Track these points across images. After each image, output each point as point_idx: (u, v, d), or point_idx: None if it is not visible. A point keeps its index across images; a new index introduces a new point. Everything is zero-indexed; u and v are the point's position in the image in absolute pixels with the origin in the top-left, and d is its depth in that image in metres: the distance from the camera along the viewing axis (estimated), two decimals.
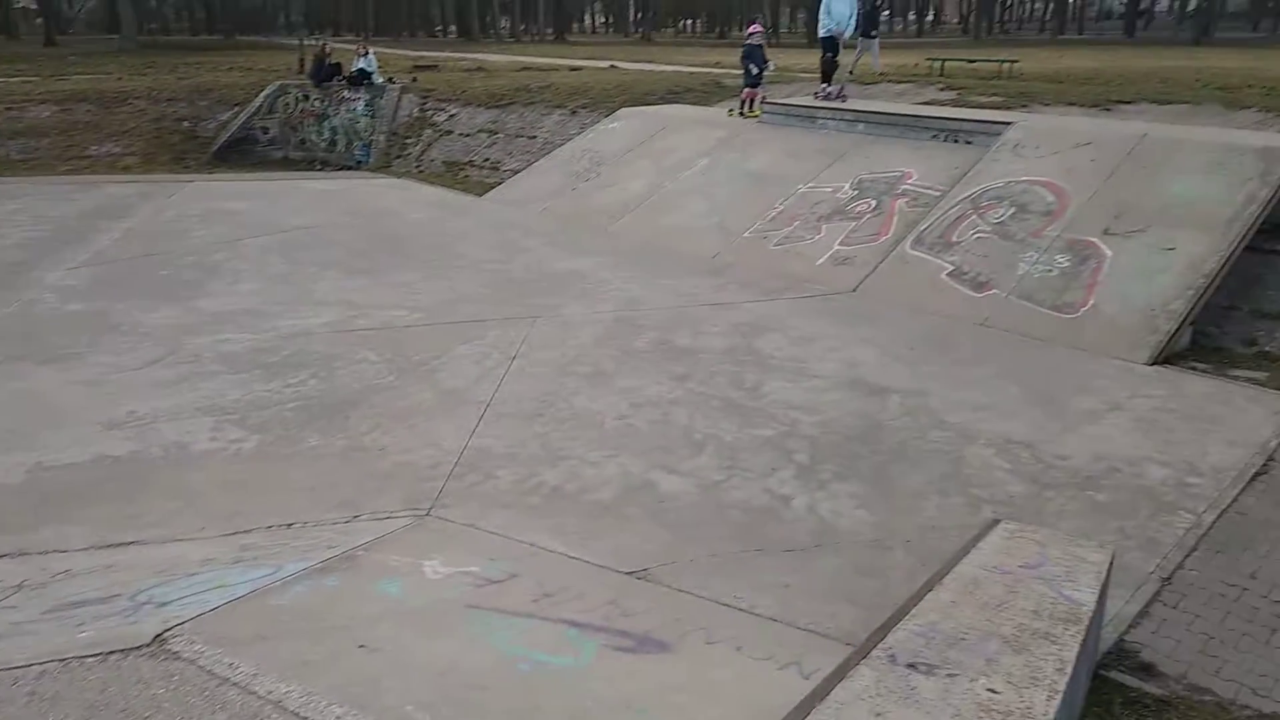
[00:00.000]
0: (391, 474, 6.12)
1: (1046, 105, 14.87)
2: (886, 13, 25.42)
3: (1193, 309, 8.45)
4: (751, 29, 16.69)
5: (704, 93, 19.38)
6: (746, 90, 15.79)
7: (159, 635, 3.54)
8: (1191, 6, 64.10)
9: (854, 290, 10.31)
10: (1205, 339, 8.66)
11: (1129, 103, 14.71)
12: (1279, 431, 6.77)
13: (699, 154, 14.55)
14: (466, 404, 7.24)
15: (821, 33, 14.88)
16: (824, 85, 15.25)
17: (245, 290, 10.24)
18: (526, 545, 5.24)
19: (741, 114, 15.65)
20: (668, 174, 14.32)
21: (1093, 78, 20.69)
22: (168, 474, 6.05)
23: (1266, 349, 8.41)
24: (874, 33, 20.18)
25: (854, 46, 14.67)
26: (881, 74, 19.67)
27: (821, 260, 11.05)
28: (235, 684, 3.24)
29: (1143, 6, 74.74)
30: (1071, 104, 14.87)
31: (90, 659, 3.36)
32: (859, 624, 4.47)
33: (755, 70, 15.59)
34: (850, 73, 19.27)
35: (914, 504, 5.76)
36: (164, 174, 17.94)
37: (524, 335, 8.80)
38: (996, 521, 4.56)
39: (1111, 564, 4.14)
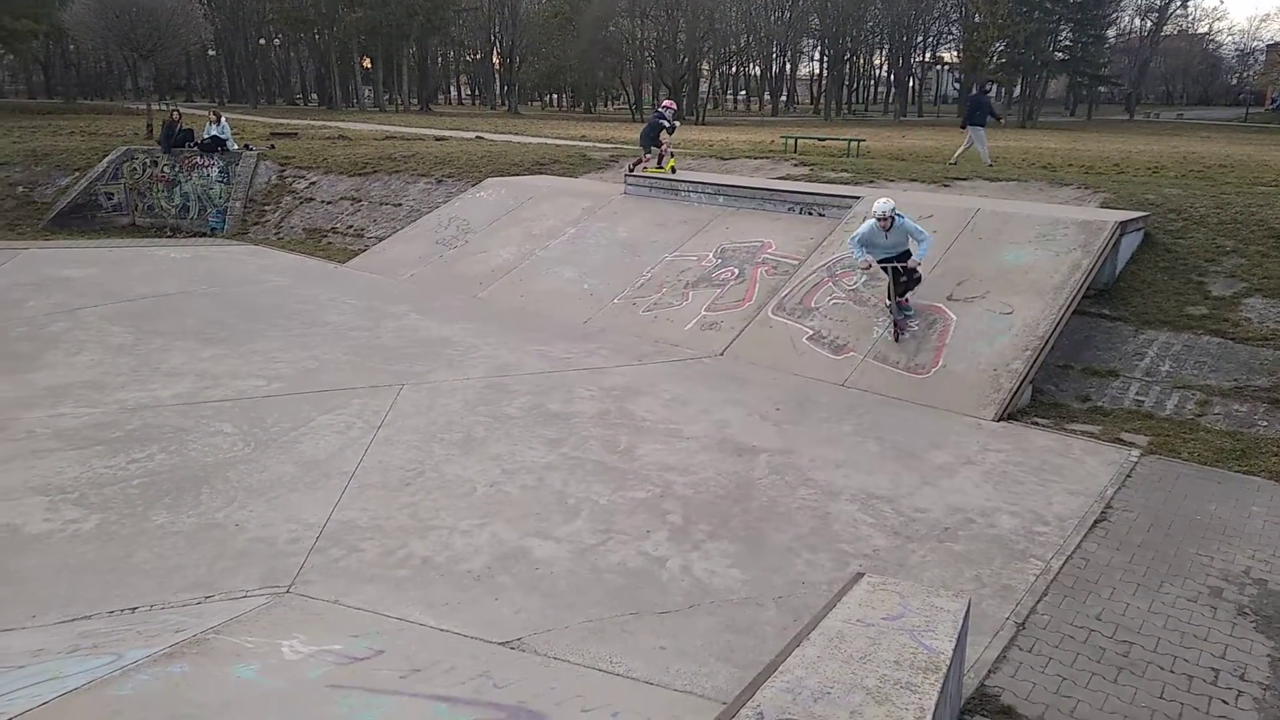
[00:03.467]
0: (247, 551, 5.79)
1: (891, 181, 15.84)
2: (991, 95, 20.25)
3: (1031, 368, 9.06)
4: (665, 104, 16.95)
5: (570, 164, 19.72)
6: (646, 156, 16.11)
7: None
8: (1018, 93, 70.15)
9: (721, 354, 10.57)
10: (1044, 396, 9.27)
11: (964, 179, 15.83)
12: (1115, 480, 7.28)
13: (567, 223, 14.75)
14: (329, 476, 6.95)
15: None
16: None
17: (85, 362, 9.60)
18: (394, 619, 5.03)
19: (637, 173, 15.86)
20: (537, 242, 14.42)
21: (931, 156, 22.24)
22: None
23: (1099, 404, 9.07)
24: (983, 122, 18.30)
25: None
26: (989, 165, 18.10)
27: (689, 325, 11.31)
28: None
29: (974, 92, 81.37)
30: (914, 180, 15.89)
31: None
32: (734, 682, 4.48)
33: (668, 127, 15.98)
34: (953, 162, 18.48)
35: (785, 560, 5.86)
36: None
37: (390, 403, 8.57)
38: (860, 575, 4.68)
39: (968, 612, 4.30)
